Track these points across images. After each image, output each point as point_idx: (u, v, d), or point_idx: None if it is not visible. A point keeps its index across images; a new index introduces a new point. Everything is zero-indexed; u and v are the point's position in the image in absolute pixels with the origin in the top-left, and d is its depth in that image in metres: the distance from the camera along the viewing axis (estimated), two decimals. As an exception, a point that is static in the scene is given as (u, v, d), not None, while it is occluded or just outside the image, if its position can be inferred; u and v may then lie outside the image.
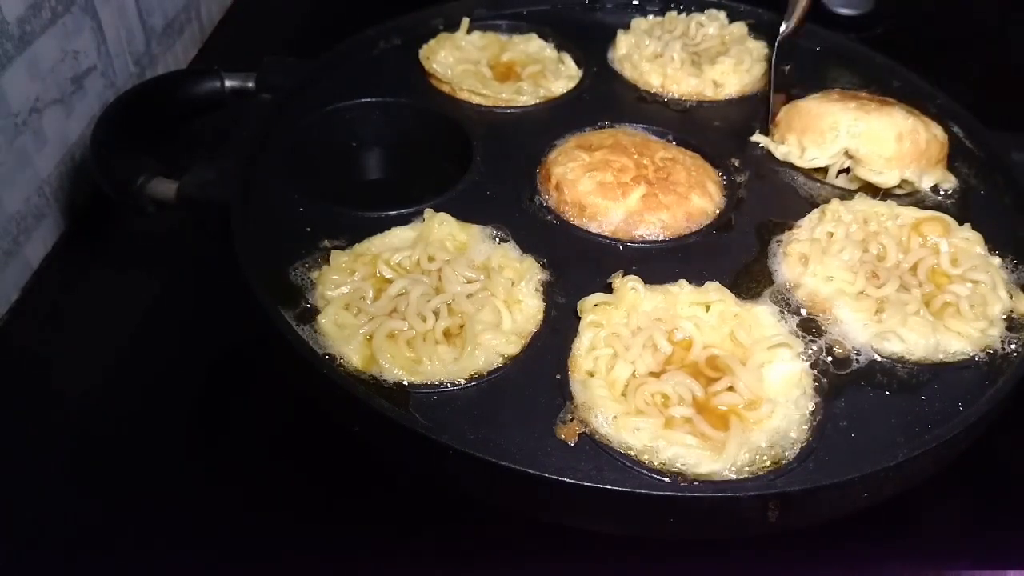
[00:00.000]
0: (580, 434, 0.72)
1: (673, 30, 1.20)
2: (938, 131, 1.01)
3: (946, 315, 0.82)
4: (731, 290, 0.83)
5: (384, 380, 0.75)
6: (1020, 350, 0.81)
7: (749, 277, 0.87)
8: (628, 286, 0.81)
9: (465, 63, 1.13)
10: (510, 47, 1.17)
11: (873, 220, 0.91)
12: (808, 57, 1.20)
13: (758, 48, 1.18)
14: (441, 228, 0.87)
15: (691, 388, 0.75)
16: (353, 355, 0.77)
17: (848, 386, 0.78)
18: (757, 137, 1.05)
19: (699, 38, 1.20)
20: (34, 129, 0.99)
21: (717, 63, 1.13)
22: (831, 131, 0.99)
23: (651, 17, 1.23)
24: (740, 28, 1.21)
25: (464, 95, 1.08)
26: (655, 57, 1.15)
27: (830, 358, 0.80)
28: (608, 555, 0.76)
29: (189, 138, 1.08)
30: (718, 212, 0.95)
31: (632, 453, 0.71)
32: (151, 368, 0.91)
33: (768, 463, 0.71)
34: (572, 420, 0.73)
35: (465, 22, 1.17)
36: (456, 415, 0.74)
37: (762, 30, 1.22)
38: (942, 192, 0.99)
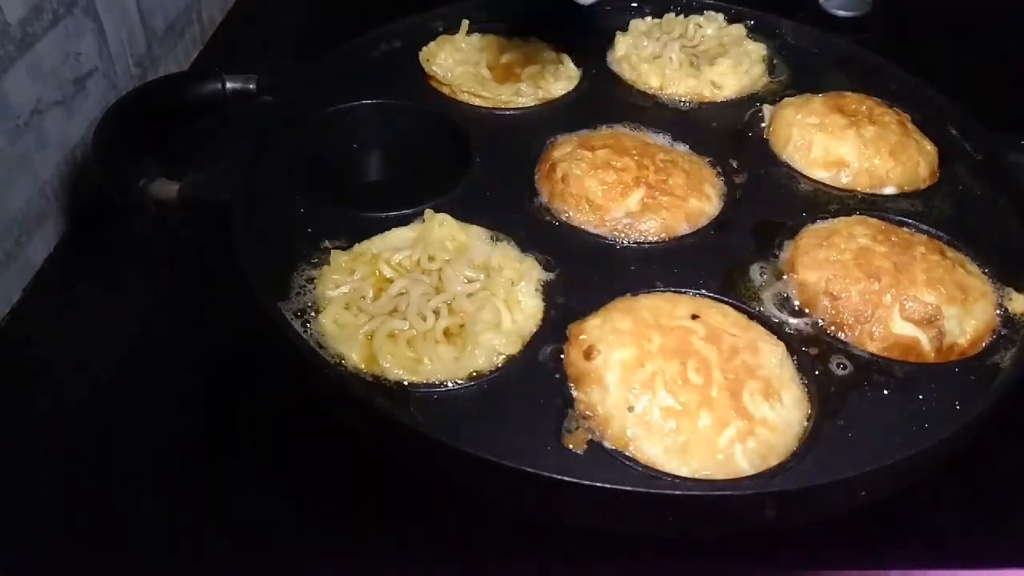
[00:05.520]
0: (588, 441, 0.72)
1: (671, 31, 1.21)
2: (927, 144, 1.03)
3: None
4: (730, 290, 0.83)
5: (385, 379, 0.76)
6: (1017, 349, 0.81)
7: (748, 277, 0.88)
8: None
9: (465, 65, 1.13)
10: (509, 49, 1.18)
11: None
12: (806, 59, 1.20)
13: (756, 49, 1.19)
14: (441, 228, 0.88)
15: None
16: (354, 355, 0.77)
17: (846, 385, 0.78)
18: None
19: (697, 39, 1.20)
20: (36, 131, 1.00)
21: (715, 64, 1.13)
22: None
23: (649, 19, 1.23)
24: (738, 30, 1.21)
25: (464, 97, 1.09)
26: (653, 58, 1.15)
27: (828, 356, 0.80)
28: (608, 555, 0.76)
29: (190, 139, 1.08)
30: (716, 213, 0.95)
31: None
32: (152, 369, 0.91)
33: (767, 462, 0.71)
34: (578, 429, 0.73)
35: (465, 24, 1.17)
36: (456, 414, 0.74)
37: (761, 32, 1.22)
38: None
